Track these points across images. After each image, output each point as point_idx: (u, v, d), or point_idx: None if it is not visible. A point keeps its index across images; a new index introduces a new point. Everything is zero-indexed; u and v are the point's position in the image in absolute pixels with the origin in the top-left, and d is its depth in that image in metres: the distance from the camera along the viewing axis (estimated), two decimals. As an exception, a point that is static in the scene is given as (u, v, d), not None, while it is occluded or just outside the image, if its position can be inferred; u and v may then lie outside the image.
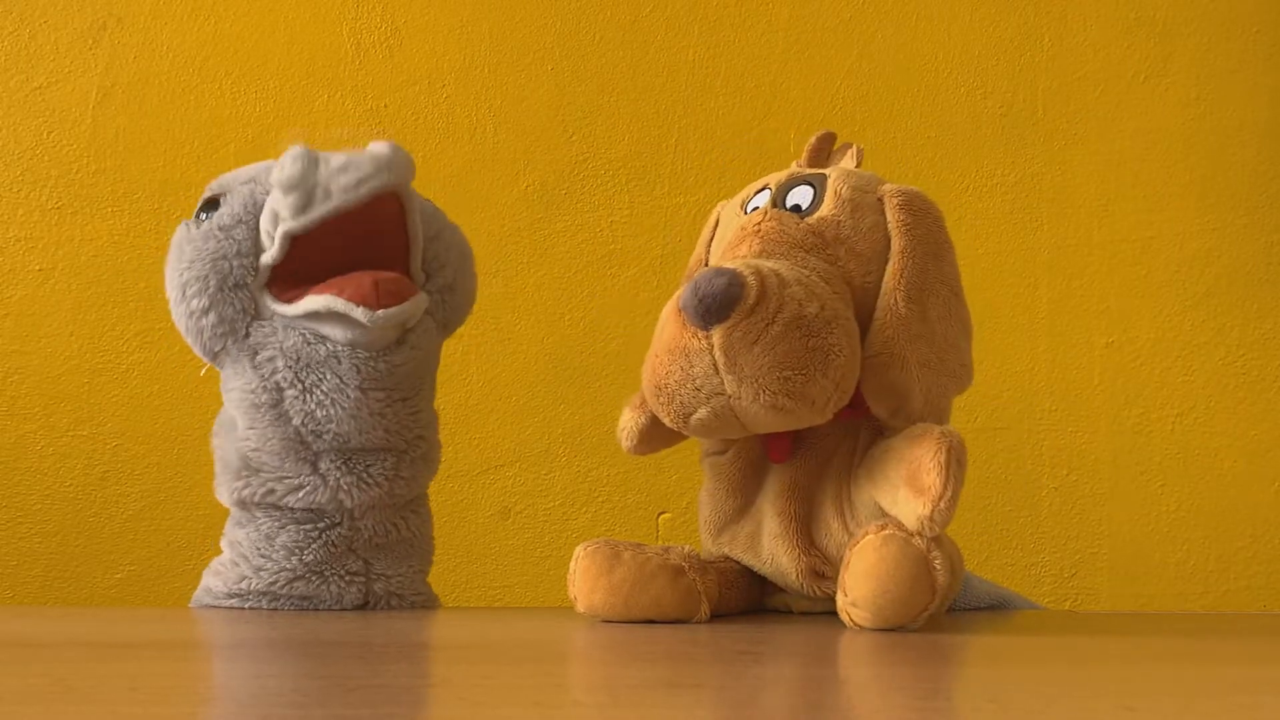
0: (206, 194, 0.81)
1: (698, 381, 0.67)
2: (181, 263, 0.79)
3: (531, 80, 1.21)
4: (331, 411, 0.77)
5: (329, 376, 0.77)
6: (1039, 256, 1.20)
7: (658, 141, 1.21)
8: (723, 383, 0.66)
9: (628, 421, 0.78)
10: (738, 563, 0.78)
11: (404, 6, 1.21)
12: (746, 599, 0.78)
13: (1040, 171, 1.20)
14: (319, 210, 0.75)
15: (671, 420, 0.70)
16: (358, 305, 0.75)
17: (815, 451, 0.76)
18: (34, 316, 1.18)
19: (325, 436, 0.78)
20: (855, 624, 0.69)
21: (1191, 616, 0.90)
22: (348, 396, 0.77)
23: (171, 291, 0.80)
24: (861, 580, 0.67)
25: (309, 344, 0.77)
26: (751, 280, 0.66)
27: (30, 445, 1.17)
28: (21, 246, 1.19)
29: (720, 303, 0.65)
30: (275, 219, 0.77)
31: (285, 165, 0.76)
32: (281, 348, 0.78)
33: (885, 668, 0.57)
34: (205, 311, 0.78)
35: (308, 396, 0.77)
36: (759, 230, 0.74)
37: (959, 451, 0.67)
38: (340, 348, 0.77)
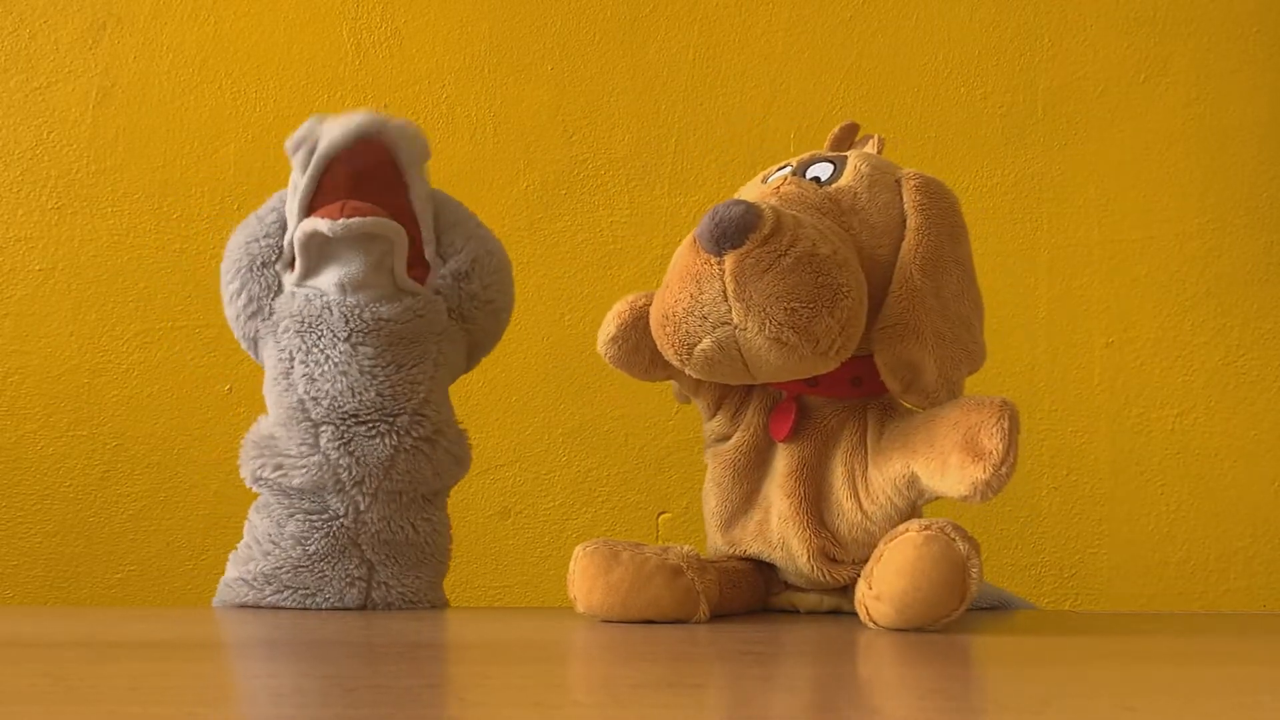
0: None
1: (705, 309, 0.67)
2: (227, 258, 0.86)
3: (531, 80, 1.21)
4: (325, 368, 0.81)
5: (325, 333, 0.81)
6: (1039, 256, 1.20)
7: (658, 141, 1.21)
8: (730, 311, 0.66)
9: (613, 312, 0.77)
10: (743, 561, 0.78)
11: (404, 6, 1.21)
12: (749, 599, 0.78)
13: (1040, 171, 1.20)
14: (316, 160, 0.82)
15: (675, 352, 0.70)
16: (324, 220, 0.81)
17: (821, 431, 0.76)
18: (34, 316, 1.18)
19: (323, 401, 0.81)
20: (872, 618, 0.68)
21: (1191, 616, 0.90)
22: (338, 350, 0.81)
23: (222, 288, 0.87)
24: (894, 576, 0.66)
25: (309, 301, 0.82)
26: (768, 213, 0.67)
27: (30, 445, 1.17)
28: (21, 246, 1.19)
29: (736, 228, 0.66)
30: (295, 191, 0.83)
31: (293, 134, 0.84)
32: (290, 312, 0.82)
33: (885, 668, 0.57)
34: (238, 294, 0.85)
35: (307, 358, 0.81)
36: (778, 191, 0.75)
37: (1018, 420, 0.66)
38: (332, 299, 0.81)
